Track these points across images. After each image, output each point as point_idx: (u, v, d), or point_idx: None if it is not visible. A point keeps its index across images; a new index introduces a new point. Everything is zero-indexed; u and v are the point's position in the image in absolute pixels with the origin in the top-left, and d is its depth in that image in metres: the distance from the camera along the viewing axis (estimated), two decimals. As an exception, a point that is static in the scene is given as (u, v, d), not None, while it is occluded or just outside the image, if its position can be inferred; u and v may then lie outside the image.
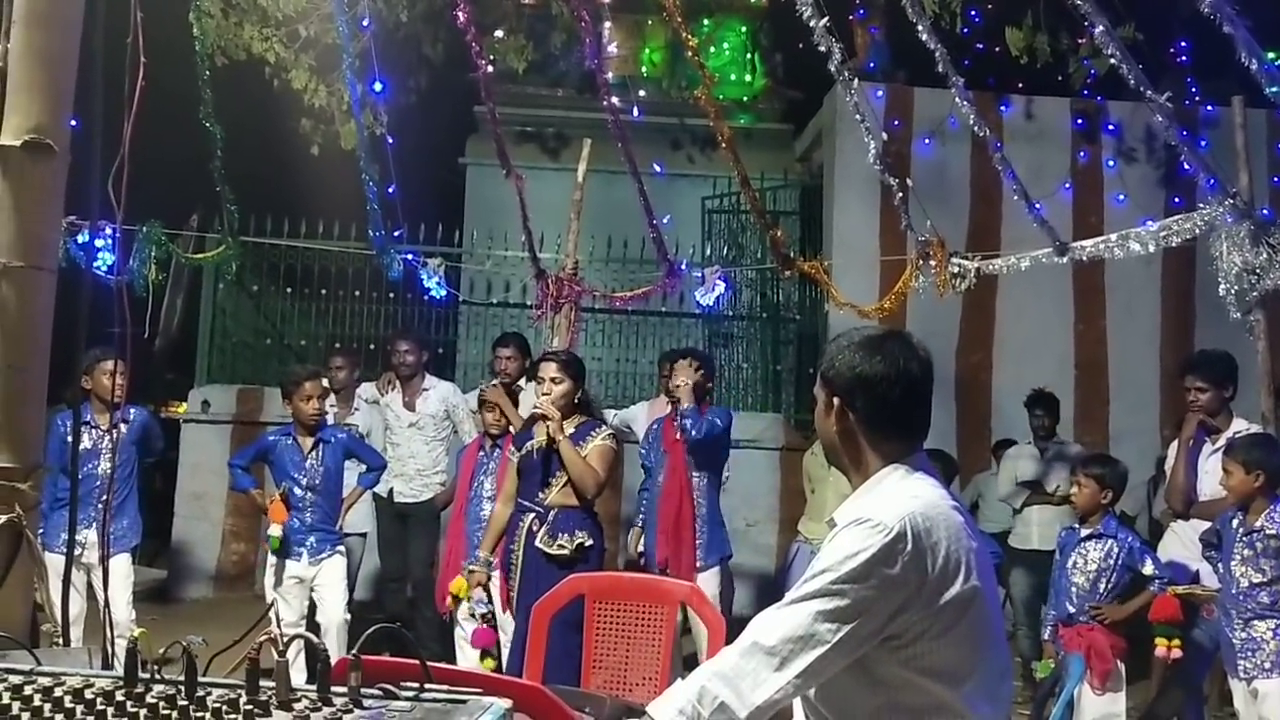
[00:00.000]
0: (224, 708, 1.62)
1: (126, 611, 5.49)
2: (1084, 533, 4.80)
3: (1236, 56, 4.66)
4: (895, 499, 2.15)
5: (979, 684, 2.13)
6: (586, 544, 4.85)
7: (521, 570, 4.91)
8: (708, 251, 10.43)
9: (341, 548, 5.67)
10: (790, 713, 2.51)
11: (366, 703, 1.70)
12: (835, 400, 2.26)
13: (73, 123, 2.92)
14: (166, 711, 1.61)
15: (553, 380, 4.97)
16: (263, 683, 1.71)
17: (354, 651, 1.78)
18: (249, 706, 1.63)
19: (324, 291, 9.62)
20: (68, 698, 1.64)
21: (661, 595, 3.84)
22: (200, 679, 1.72)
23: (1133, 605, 4.70)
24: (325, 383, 5.98)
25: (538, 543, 4.84)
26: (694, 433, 5.65)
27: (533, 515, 4.91)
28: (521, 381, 6.31)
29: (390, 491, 6.49)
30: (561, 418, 4.90)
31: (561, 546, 4.81)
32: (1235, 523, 4.45)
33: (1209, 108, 8.59)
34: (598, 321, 9.43)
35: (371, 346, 9.20)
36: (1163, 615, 4.60)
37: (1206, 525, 4.78)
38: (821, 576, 2.08)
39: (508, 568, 5.00)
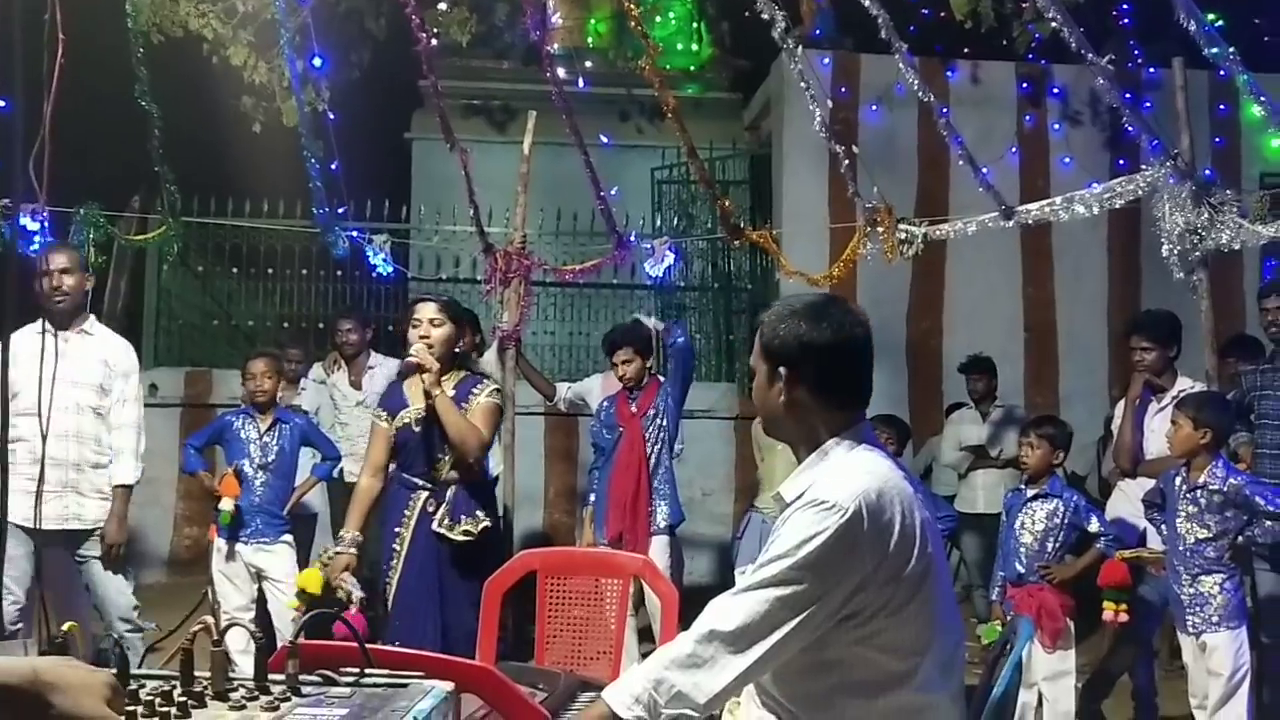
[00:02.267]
0: (157, 700, 1.59)
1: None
2: (1030, 493, 4.84)
3: (1176, 18, 4.69)
4: (848, 474, 2.13)
5: (934, 657, 2.14)
6: (488, 525, 4.36)
7: (407, 555, 4.30)
8: (658, 222, 10.39)
9: (289, 537, 5.55)
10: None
11: (305, 690, 1.68)
12: (781, 370, 2.22)
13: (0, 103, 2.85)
14: (97, 706, 1.58)
15: (432, 323, 4.30)
16: (199, 673, 1.69)
17: (292, 638, 1.75)
18: (183, 698, 1.60)
19: (271, 271, 9.51)
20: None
21: (614, 569, 3.83)
22: (134, 672, 1.69)
23: (1080, 563, 4.75)
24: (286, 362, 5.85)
25: (436, 526, 4.27)
26: (681, 338, 5.70)
27: (427, 495, 4.33)
28: (474, 355, 6.24)
29: (341, 472, 6.42)
30: (440, 370, 4.27)
31: (466, 532, 4.27)
32: (1179, 480, 4.51)
33: (1151, 70, 8.64)
34: (549, 295, 9.39)
35: (320, 326, 9.10)
36: (1111, 580, 4.65)
37: (1153, 484, 4.83)
38: (778, 562, 2.07)
39: (387, 556, 4.37)
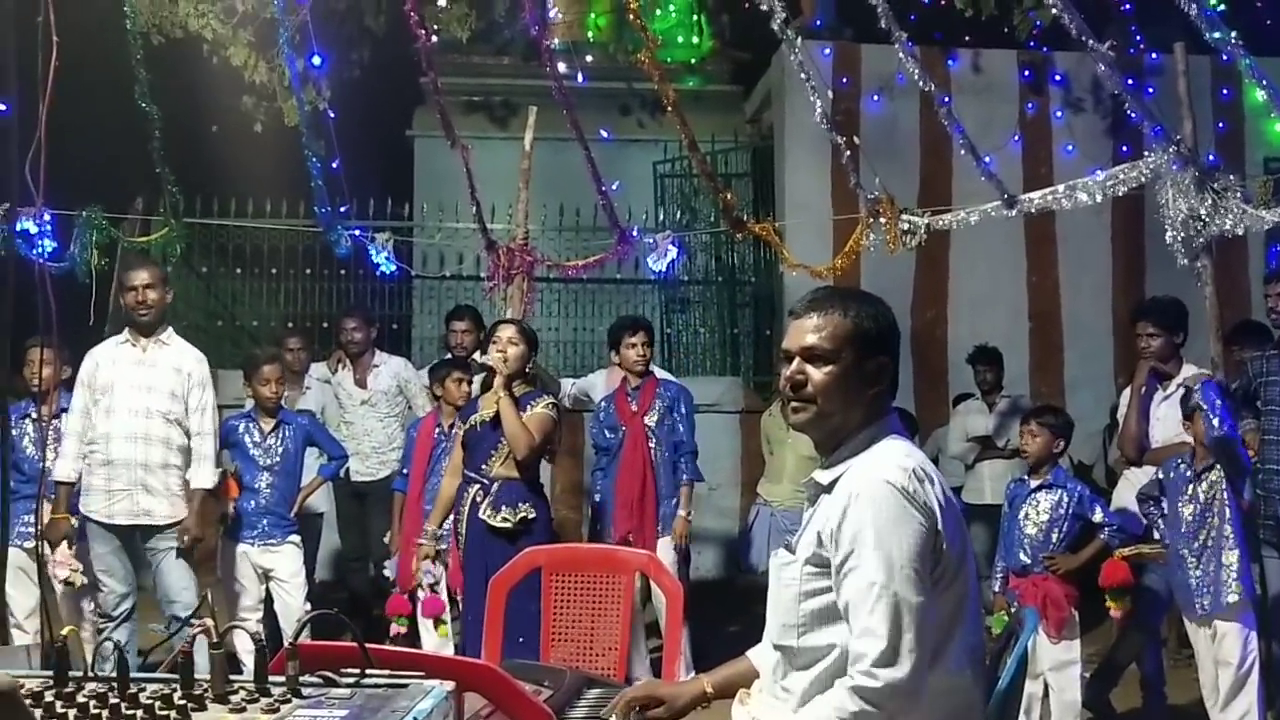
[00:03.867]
0: (157, 703, 1.59)
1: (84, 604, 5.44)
2: (1033, 484, 4.83)
3: (1178, 3, 4.66)
4: (899, 458, 2.17)
5: (963, 639, 2.17)
6: (530, 516, 4.85)
7: (465, 543, 4.91)
8: (660, 216, 10.37)
9: (296, 537, 5.57)
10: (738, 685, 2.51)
11: (305, 691, 1.68)
12: (882, 359, 2.25)
13: (1, 107, 2.84)
14: (98, 711, 1.57)
15: (510, 341, 4.96)
16: (199, 676, 1.68)
17: (292, 640, 1.75)
18: (183, 701, 1.59)
19: (274, 271, 9.50)
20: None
21: (619, 565, 3.83)
22: (134, 675, 1.68)
23: (1085, 554, 4.73)
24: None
25: (481, 515, 4.84)
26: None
27: (477, 487, 4.90)
28: (477, 355, 6.25)
29: (346, 472, 6.42)
30: (510, 380, 4.91)
31: (505, 519, 4.80)
32: (1181, 466, 4.49)
33: (1153, 55, 8.61)
34: (552, 291, 9.38)
35: (324, 325, 9.09)
36: (1114, 580, 4.64)
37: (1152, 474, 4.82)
38: (880, 564, 2.06)
39: (458, 540, 5.00)
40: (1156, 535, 4.76)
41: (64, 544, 5.02)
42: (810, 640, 2.18)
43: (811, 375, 2.24)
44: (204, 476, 5.14)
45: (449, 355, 6.78)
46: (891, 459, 2.15)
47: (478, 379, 5.78)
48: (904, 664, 2.02)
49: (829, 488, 2.23)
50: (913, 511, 2.08)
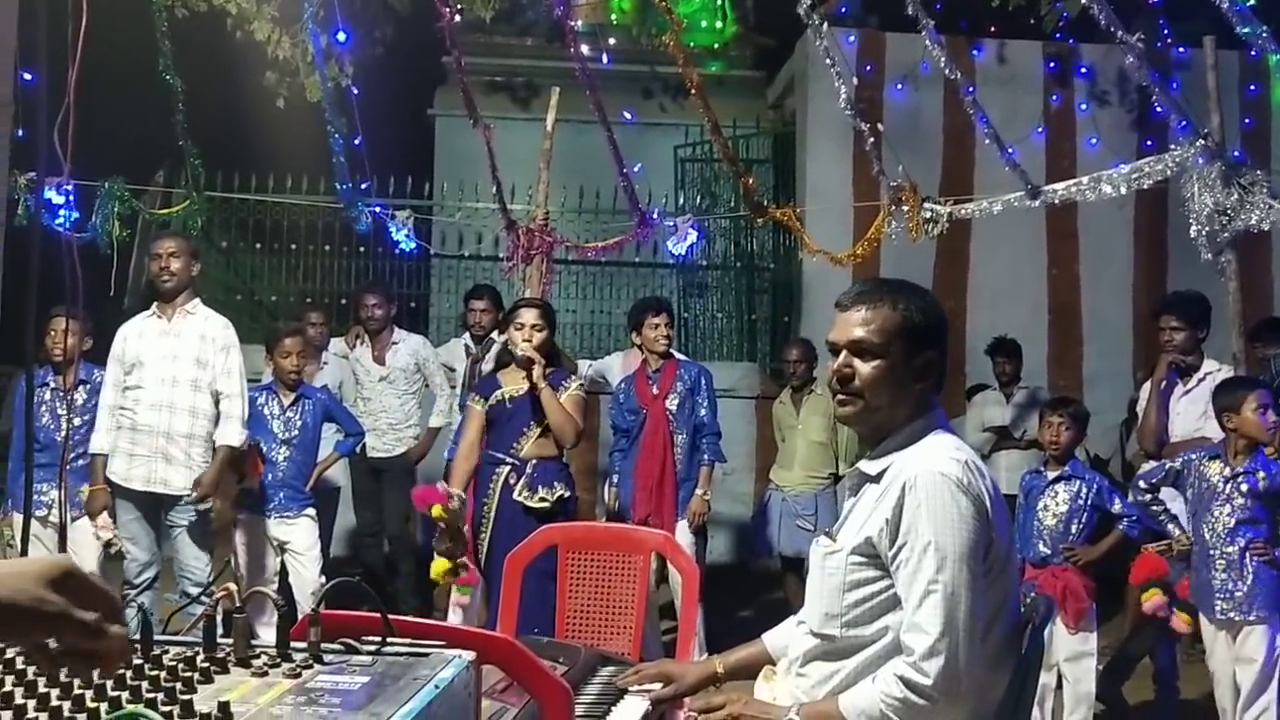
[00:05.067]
0: (180, 665, 1.59)
1: (97, 572, 5.47)
2: (1051, 475, 4.81)
3: (1208, -4, 4.63)
4: (951, 451, 2.16)
5: (1002, 631, 2.17)
6: (565, 495, 4.80)
7: (495, 524, 4.79)
8: (680, 200, 10.36)
9: (311, 510, 5.60)
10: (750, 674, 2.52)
11: (327, 658, 1.68)
12: (931, 353, 2.24)
13: (26, 76, 2.84)
14: (121, 671, 1.58)
15: (534, 327, 4.84)
16: (221, 639, 1.69)
17: (314, 607, 1.75)
18: (206, 664, 1.60)
19: (294, 246, 9.54)
20: (19, 659, 1.61)
21: (635, 544, 3.83)
22: (156, 637, 1.69)
23: (1104, 545, 4.71)
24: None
25: (516, 496, 4.75)
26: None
27: (508, 468, 4.79)
28: (495, 334, 6.27)
29: (363, 447, 6.45)
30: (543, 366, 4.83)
31: (543, 499, 4.73)
32: (1218, 465, 4.43)
33: (1181, 49, 8.54)
34: (570, 273, 9.39)
35: (343, 301, 9.12)
36: (1149, 573, 4.61)
37: (1151, 467, 4.79)
38: (932, 556, 2.05)
39: (478, 522, 4.85)
40: (1163, 524, 4.72)
41: (104, 513, 5.09)
42: (856, 631, 2.17)
43: (859, 369, 2.22)
44: (230, 434, 5.16)
45: (468, 333, 6.80)
46: (944, 452, 2.14)
47: (490, 355, 5.76)
48: (953, 659, 2.02)
49: (876, 478, 2.21)
50: (967, 503, 2.07)
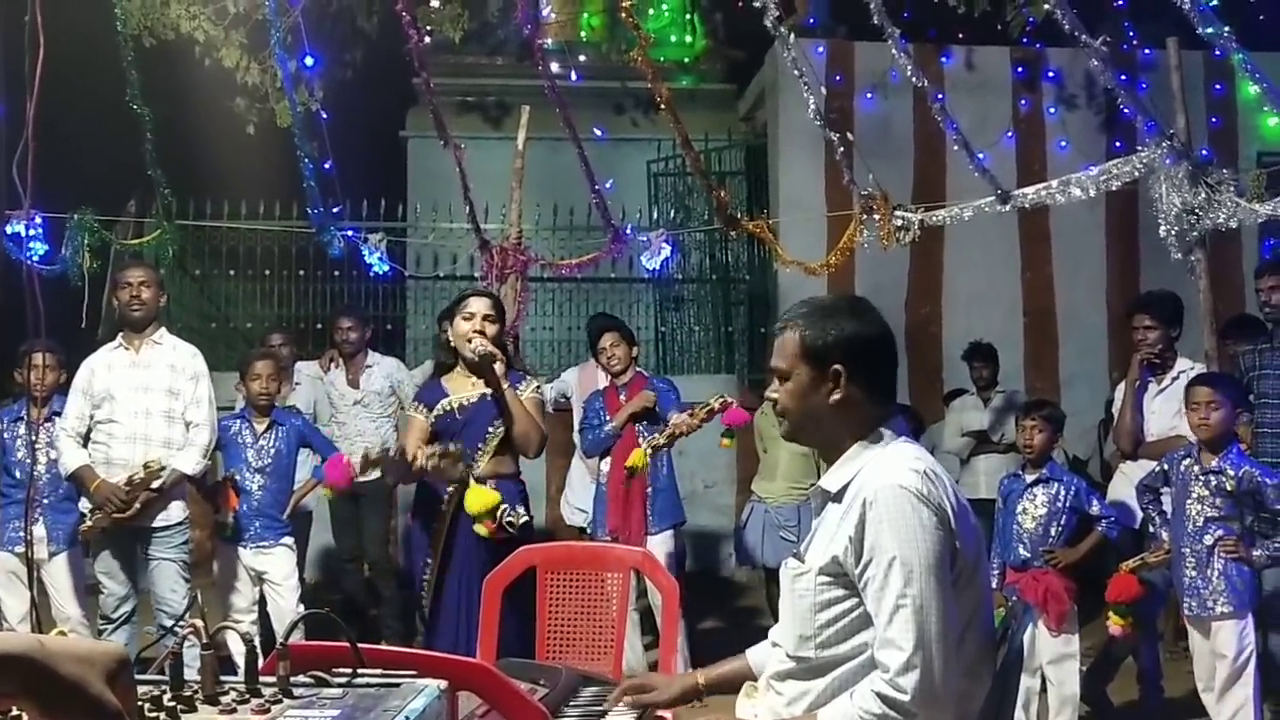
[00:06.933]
0: (146, 705, 1.57)
1: (75, 609, 5.43)
2: (1030, 478, 4.82)
3: (1170, -3, 4.67)
4: (903, 460, 2.16)
5: (976, 638, 2.17)
6: (529, 520, 4.20)
7: (448, 551, 4.10)
8: (654, 215, 10.36)
9: (289, 539, 5.53)
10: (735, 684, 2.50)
11: (297, 692, 1.66)
12: (836, 369, 2.23)
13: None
14: (86, 712, 1.56)
15: (486, 318, 4.14)
16: (189, 677, 1.67)
17: (282, 640, 1.73)
18: (172, 703, 1.58)
19: (268, 272, 9.48)
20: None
21: (613, 563, 3.81)
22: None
23: (1083, 547, 4.72)
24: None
25: (476, 524, 4.02)
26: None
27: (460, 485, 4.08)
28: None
29: (341, 471, 6.39)
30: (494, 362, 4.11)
31: (510, 524, 4.04)
32: (1188, 462, 4.46)
33: (1146, 51, 8.60)
34: (546, 290, 9.36)
35: (318, 325, 9.07)
36: (1121, 595, 4.59)
37: (1151, 469, 4.80)
38: (897, 568, 2.05)
39: (423, 554, 4.19)
40: (1152, 529, 4.74)
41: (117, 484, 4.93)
42: (830, 651, 2.17)
43: (780, 392, 2.31)
44: (186, 460, 5.04)
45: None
46: (902, 463, 2.14)
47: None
48: (928, 672, 2.01)
49: (837, 496, 2.22)
50: (928, 514, 2.07)
